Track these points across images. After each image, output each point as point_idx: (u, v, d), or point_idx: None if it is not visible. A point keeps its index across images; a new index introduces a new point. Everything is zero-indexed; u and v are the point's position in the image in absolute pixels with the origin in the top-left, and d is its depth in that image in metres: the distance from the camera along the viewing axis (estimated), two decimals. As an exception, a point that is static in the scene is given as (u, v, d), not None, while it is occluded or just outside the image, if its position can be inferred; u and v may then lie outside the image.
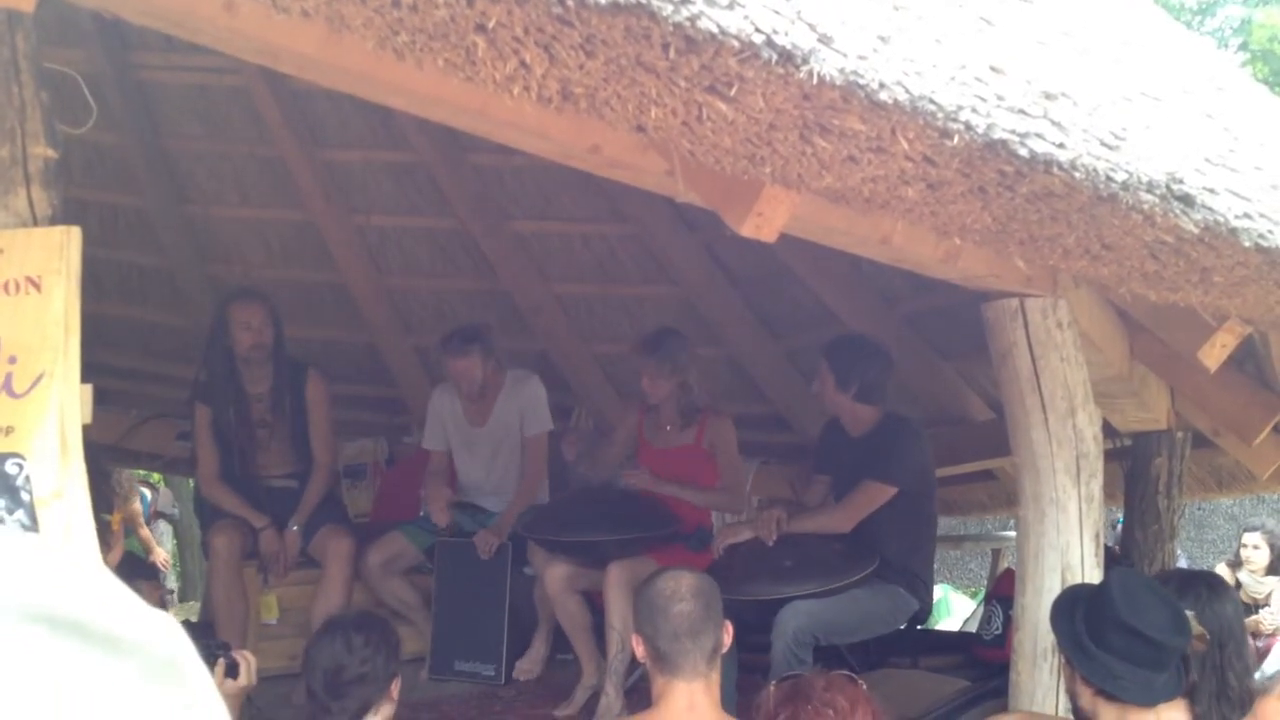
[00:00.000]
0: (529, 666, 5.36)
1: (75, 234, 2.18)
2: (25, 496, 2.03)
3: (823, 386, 4.85)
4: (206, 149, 6.38)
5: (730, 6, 1.67)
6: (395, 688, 3.16)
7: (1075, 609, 3.03)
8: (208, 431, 5.35)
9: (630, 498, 5.13)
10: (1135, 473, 5.10)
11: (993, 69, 2.08)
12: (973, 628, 6.75)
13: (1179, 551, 5.97)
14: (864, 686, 2.53)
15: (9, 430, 2.05)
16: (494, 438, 5.65)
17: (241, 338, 5.22)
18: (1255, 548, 7.58)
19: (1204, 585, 3.20)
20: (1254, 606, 7.22)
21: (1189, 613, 2.89)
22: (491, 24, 1.72)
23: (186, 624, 6.96)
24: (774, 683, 2.60)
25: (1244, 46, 15.21)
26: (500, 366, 5.60)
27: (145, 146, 6.28)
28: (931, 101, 1.92)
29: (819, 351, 4.97)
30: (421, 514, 5.83)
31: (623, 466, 5.42)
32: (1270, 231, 2.54)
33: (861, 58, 1.83)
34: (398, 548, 5.49)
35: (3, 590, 0.52)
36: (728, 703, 3.41)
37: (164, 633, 0.56)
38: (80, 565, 0.56)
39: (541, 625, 5.42)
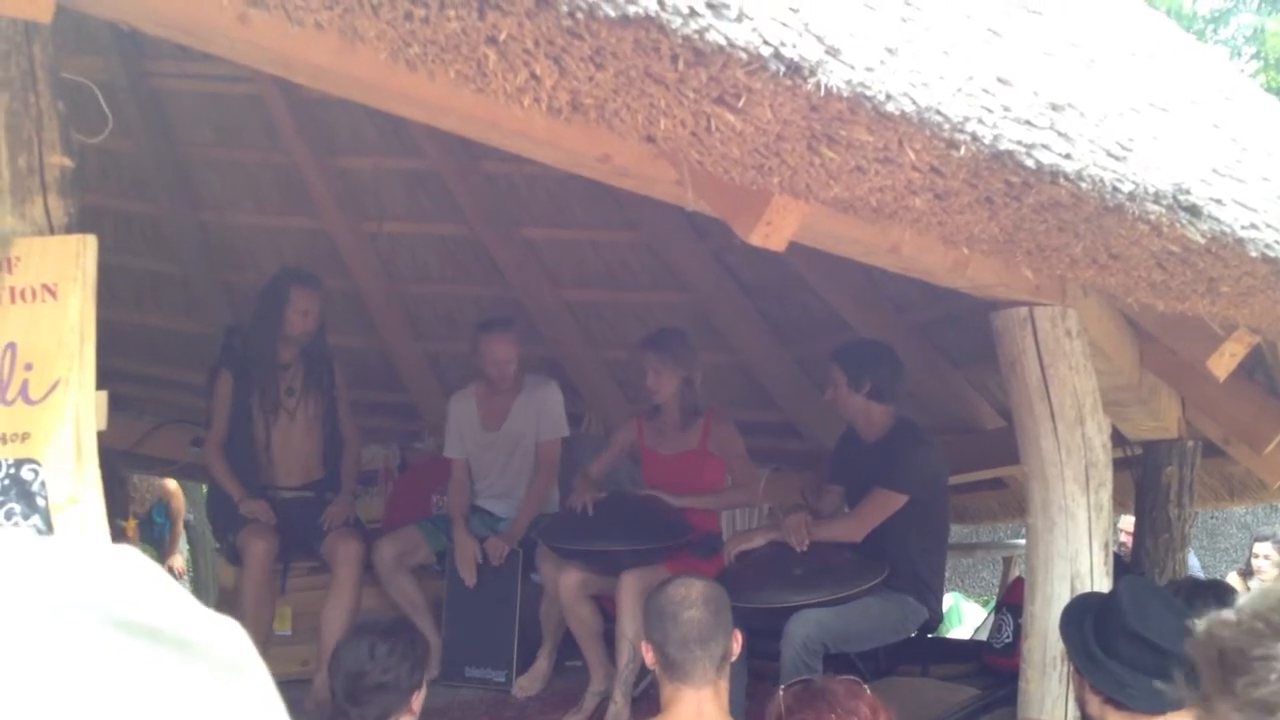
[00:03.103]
0: (529, 684, 5.34)
1: (91, 242, 2.20)
2: (41, 502, 2.05)
3: (835, 390, 4.85)
4: (220, 157, 6.42)
5: (738, 19, 1.68)
6: (418, 701, 3.09)
7: (1084, 617, 3.03)
8: (227, 400, 5.40)
9: (646, 507, 5.13)
10: (1146, 481, 5.09)
11: (1000, 80, 2.09)
12: (983, 636, 6.73)
13: (1192, 558, 5.98)
14: (867, 691, 2.53)
15: (25, 436, 2.07)
16: (509, 441, 5.67)
17: (295, 321, 5.34)
18: (1266, 558, 7.57)
19: (1214, 594, 3.20)
20: (1266, 616, 7.18)
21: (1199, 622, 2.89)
22: (502, 36, 1.74)
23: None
24: (783, 687, 2.60)
25: (1257, 55, 15.17)
26: (520, 368, 5.63)
27: (160, 154, 6.32)
28: (938, 112, 1.93)
29: (828, 357, 4.97)
30: (436, 513, 5.86)
31: (621, 482, 5.46)
32: (1277, 242, 2.54)
33: (869, 69, 1.84)
34: (412, 542, 5.52)
35: (83, 596, 0.54)
36: (736, 710, 3.42)
37: (228, 635, 0.59)
38: (146, 570, 0.58)
39: (545, 642, 5.40)
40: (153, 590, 0.57)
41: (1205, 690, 1.16)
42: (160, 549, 8.60)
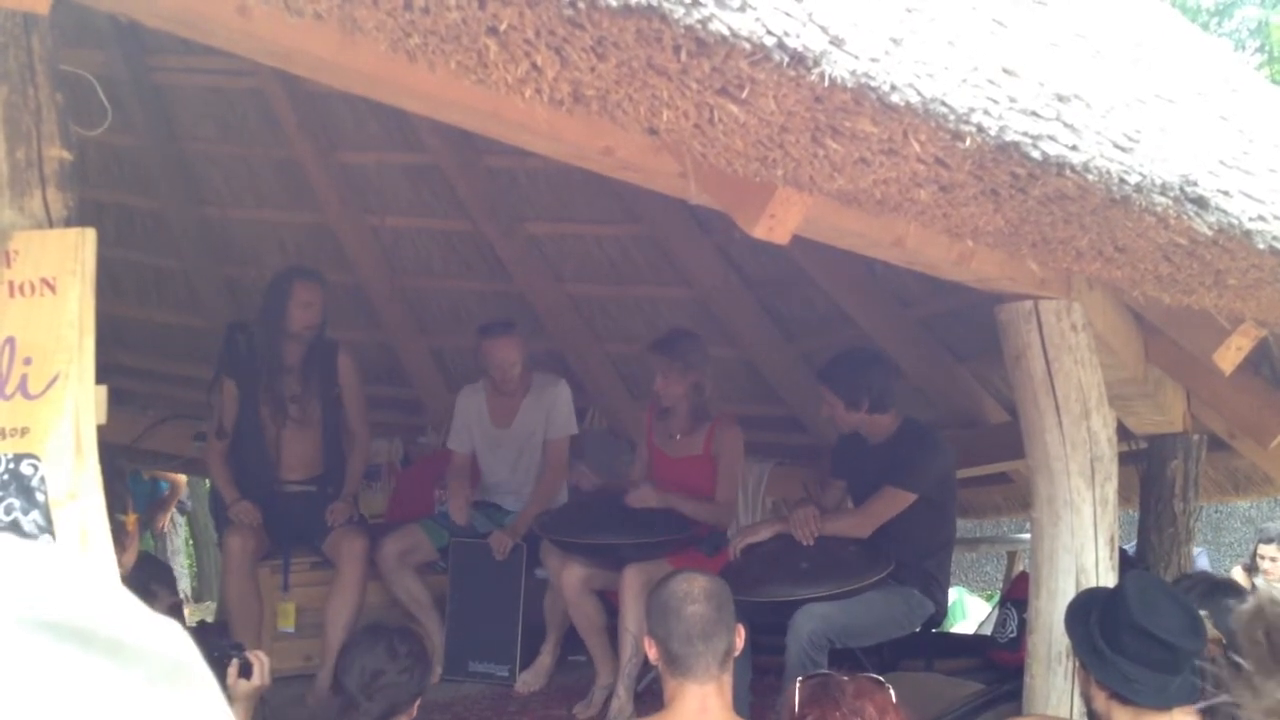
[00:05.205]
0: (532, 679, 5.33)
1: (90, 235, 2.19)
2: (40, 497, 2.04)
3: (833, 411, 4.78)
4: (222, 151, 6.41)
5: (741, 9, 1.67)
6: (416, 706, 3.29)
7: (1090, 612, 3.02)
8: (231, 406, 5.39)
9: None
10: (1151, 476, 5.07)
11: (1005, 71, 2.08)
12: (988, 631, 6.72)
13: (1198, 549, 5.96)
14: (893, 694, 2.49)
15: (25, 431, 2.07)
16: (519, 439, 5.66)
17: (297, 315, 5.30)
18: (1273, 559, 7.53)
19: (1220, 589, 3.19)
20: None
21: (1203, 613, 2.88)
22: (503, 26, 1.73)
23: (202, 624, 6.91)
24: (800, 679, 2.58)
25: (1261, 49, 15.14)
26: (528, 368, 5.62)
27: (162, 149, 6.31)
28: (943, 104, 1.92)
29: (817, 379, 4.91)
30: (439, 510, 5.85)
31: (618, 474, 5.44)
32: (1285, 234, 2.53)
33: (873, 60, 1.83)
34: (415, 540, 5.50)
35: (3, 597, 0.51)
36: (740, 705, 3.41)
37: (169, 638, 0.55)
38: (82, 571, 0.55)
39: (549, 637, 5.40)
40: (84, 591, 0.54)
41: (1250, 670, 1.13)
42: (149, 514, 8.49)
